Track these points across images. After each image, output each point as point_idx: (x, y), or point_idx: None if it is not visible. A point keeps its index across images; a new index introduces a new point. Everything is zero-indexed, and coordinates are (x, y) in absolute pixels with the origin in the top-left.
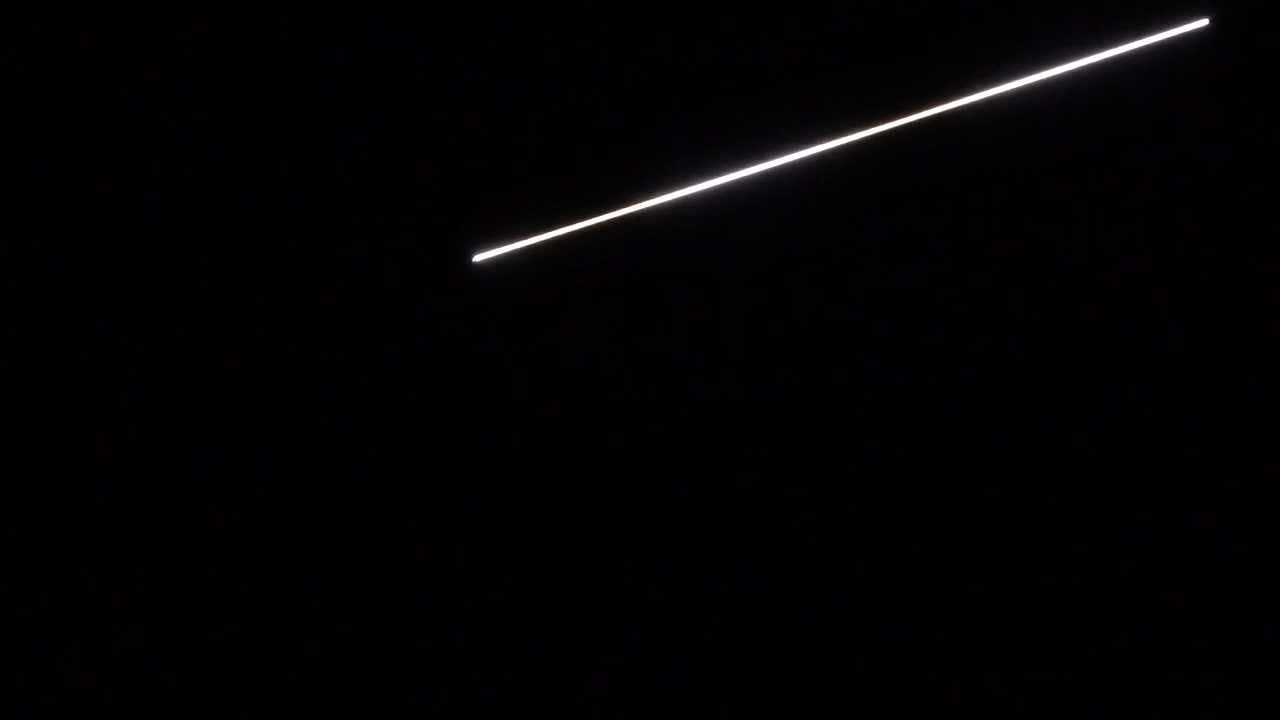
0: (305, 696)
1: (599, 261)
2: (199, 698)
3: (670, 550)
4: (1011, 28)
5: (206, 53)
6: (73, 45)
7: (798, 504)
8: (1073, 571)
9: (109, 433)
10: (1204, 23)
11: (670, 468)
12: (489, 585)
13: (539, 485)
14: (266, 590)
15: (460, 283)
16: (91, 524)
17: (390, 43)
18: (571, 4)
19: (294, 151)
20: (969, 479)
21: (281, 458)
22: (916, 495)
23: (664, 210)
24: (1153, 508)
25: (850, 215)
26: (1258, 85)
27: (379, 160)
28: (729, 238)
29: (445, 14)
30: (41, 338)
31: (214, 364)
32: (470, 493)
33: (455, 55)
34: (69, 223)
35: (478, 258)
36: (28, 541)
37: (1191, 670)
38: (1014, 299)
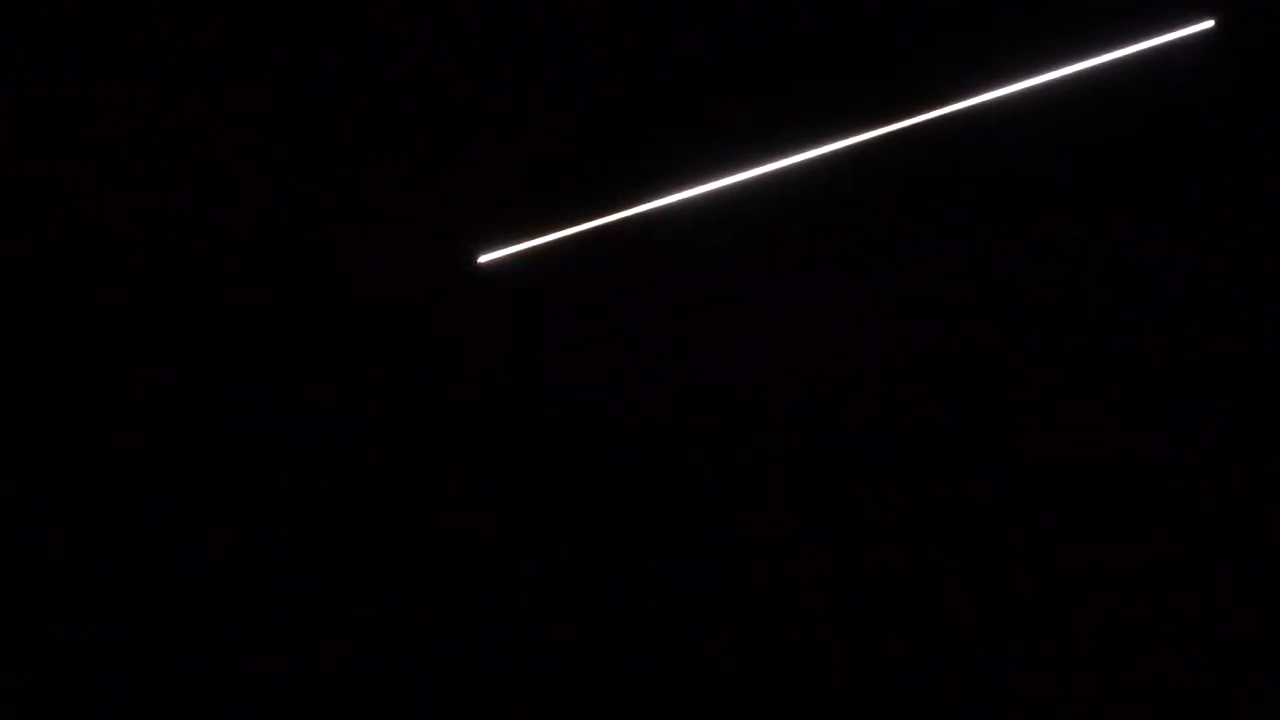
0: (309, 697)
1: (604, 262)
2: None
3: (673, 551)
4: (1016, 29)
5: (214, 54)
6: (76, 45)
7: (801, 506)
8: (1075, 572)
9: (111, 433)
10: (1209, 24)
11: (674, 469)
12: (490, 586)
13: (542, 484)
14: (269, 590)
15: (465, 283)
16: (95, 524)
17: (398, 45)
18: (578, 8)
19: (301, 154)
20: (971, 481)
21: (287, 457)
22: (919, 496)
23: (669, 211)
24: (1154, 509)
25: (854, 216)
26: (1262, 86)
27: (385, 161)
28: (734, 239)
29: (454, 17)
30: (44, 336)
31: (223, 363)
32: (475, 493)
33: (463, 59)
34: (72, 223)
35: (483, 259)
36: (28, 542)
37: (1191, 670)
38: (1019, 298)
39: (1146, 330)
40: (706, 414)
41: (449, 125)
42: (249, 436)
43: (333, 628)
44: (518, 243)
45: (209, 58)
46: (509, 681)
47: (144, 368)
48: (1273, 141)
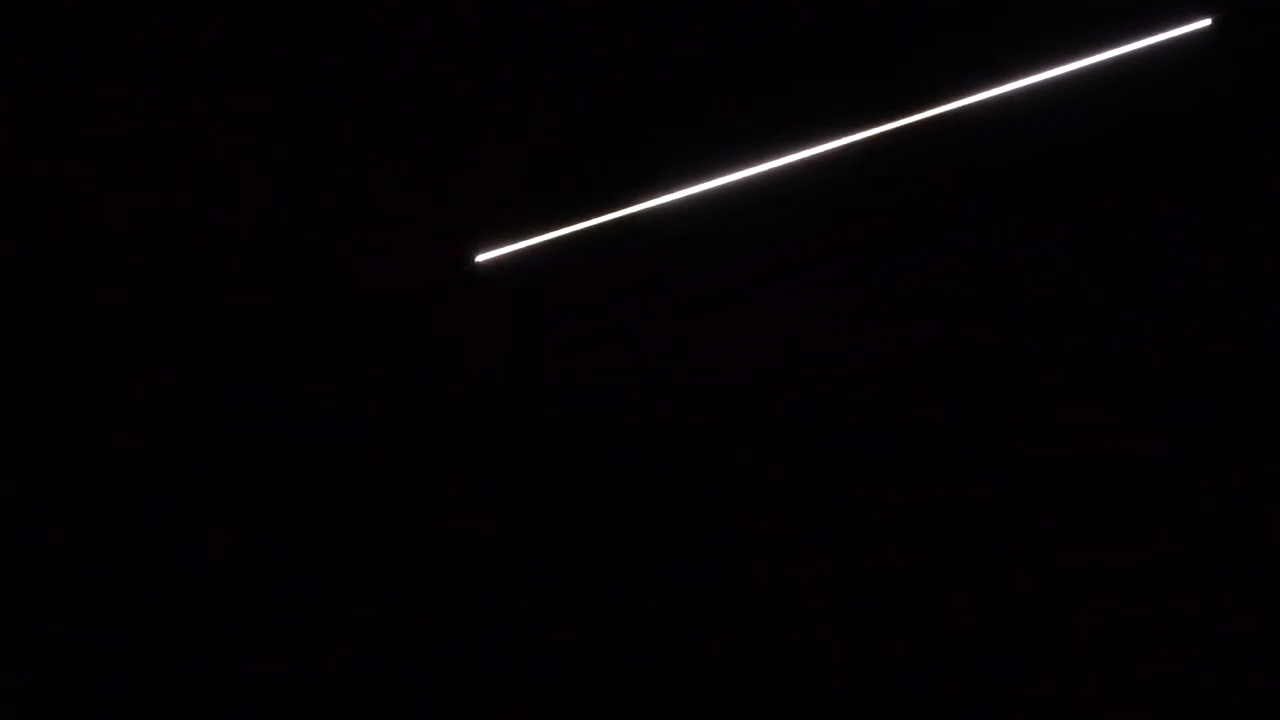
0: (309, 697)
1: (604, 262)
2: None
3: (673, 551)
4: (1015, 28)
5: (214, 54)
6: (76, 45)
7: (801, 506)
8: (1075, 572)
9: (111, 433)
10: (1206, 23)
11: (674, 469)
12: (490, 586)
13: (542, 484)
14: (269, 590)
15: (464, 283)
16: (95, 524)
17: (398, 45)
18: (578, 8)
19: (299, 154)
20: (971, 481)
21: (287, 457)
22: (919, 496)
23: (666, 210)
24: (1154, 509)
25: (851, 215)
26: (1262, 85)
27: (385, 161)
28: (730, 238)
29: (454, 17)
30: (44, 336)
31: (223, 363)
32: (474, 493)
33: (463, 59)
34: (72, 223)
35: (481, 258)
36: (28, 543)
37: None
38: (1019, 298)
39: (1146, 330)
40: (706, 414)
41: (449, 125)
42: (249, 436)
43: (333, 628)
44: (516, 242)
45: (209, 58)
46: (509, 681)
47: (144, 368)
48: (1273, 141)
